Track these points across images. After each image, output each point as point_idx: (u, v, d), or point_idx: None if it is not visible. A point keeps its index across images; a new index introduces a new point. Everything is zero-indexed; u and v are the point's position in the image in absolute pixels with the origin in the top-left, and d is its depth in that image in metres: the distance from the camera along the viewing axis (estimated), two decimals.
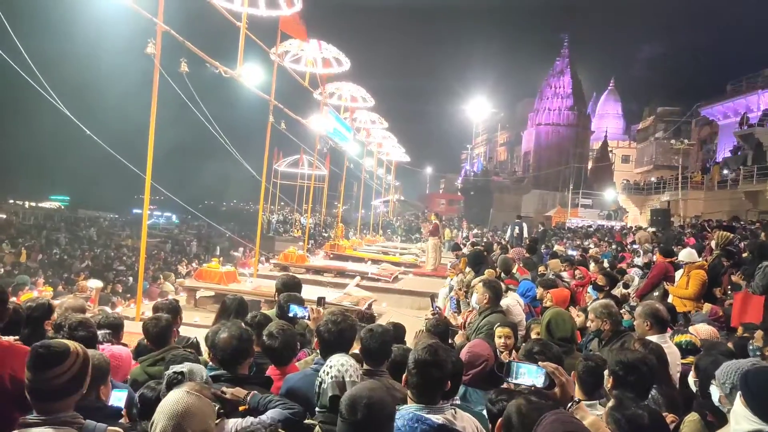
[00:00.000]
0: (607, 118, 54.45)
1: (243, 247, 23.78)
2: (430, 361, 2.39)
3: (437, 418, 2.31)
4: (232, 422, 2.40)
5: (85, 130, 7.68)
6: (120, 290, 14.98)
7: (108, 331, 3.60)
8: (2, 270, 19.21)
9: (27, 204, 53.79)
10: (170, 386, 2.27)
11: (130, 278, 18.35)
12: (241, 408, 2.51)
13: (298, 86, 15.24)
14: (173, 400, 1.87)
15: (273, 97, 13.30)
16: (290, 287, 4.67)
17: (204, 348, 3.57)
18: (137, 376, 3.38)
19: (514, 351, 4.19)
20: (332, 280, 13.14)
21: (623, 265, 10.03)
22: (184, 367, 2.50)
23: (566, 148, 44.44)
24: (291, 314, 4.01)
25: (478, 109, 59.40)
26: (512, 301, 5.68)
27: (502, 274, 7.58)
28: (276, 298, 4.60)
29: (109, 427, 2.10)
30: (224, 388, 2.52)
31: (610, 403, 2.79)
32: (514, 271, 8.08)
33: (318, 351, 3.79)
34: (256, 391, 2.55)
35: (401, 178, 42.26)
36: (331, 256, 17.31)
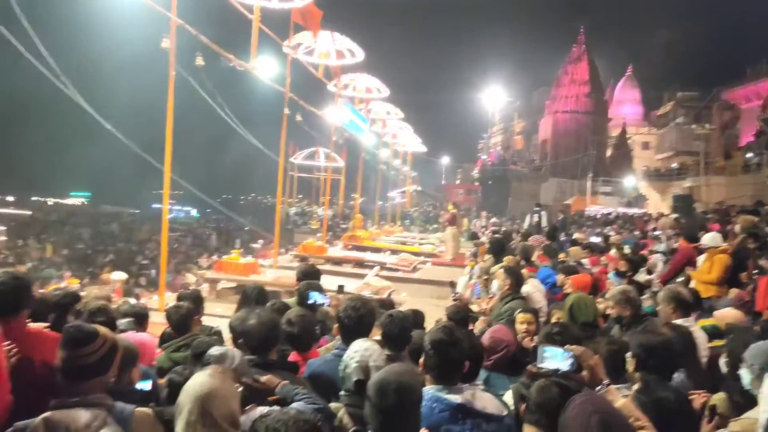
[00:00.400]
0: (625, 104, 53.53)
1: (262, 239, 23.97)
2: (447, 341, 2.39)
3: (455, 398, 2.31)
4: (260, 410, 2.42)
5: (104, 125, 7.81)
6: (144, 283, 15.22)
7: (132, 320, 3.65)
8: (29, 265, 19.65)
9: (50, 201, 54.82)
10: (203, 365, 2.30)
11: (153, 271, 18.63)
12: (270, 398, 2.53)
13: (312, 78, 15.25)
14: (197, 383, 1.90)
15: (288, 89, 13.33)
16: (310, 276, 4.70)
17: (226, 337, 3.61)
18: (162, 362, 3.44)
19: (535, 337, 4.17)
20: (351, 271, 13.20)
21: (644, 252, 9.90)
22: (222, 349, 2.53)
23: (584, 135, 43.81)
24: (311, 301, 4.04)
25: (494, 98, 58.81)
26: (533, 288, 5.65)
27: (523, 262, 7.53)
28: (296, 287, 4.63)
29: (137, 408, 2.14)
30: (257, 376, 2.53)
31: (636, 386, 2.77)
32: (534, 258, 8.02)
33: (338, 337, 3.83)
34: (288, 382, 2.57)
35: (418, 168, 42.11)
36: (350, 247, 17.37)
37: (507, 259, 7.08)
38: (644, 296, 5.90)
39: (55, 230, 29.95)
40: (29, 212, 38.40)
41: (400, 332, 3.14)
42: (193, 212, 56.91)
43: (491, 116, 65.78)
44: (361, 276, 12.00)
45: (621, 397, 2.26)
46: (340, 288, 4.38)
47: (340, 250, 16.94)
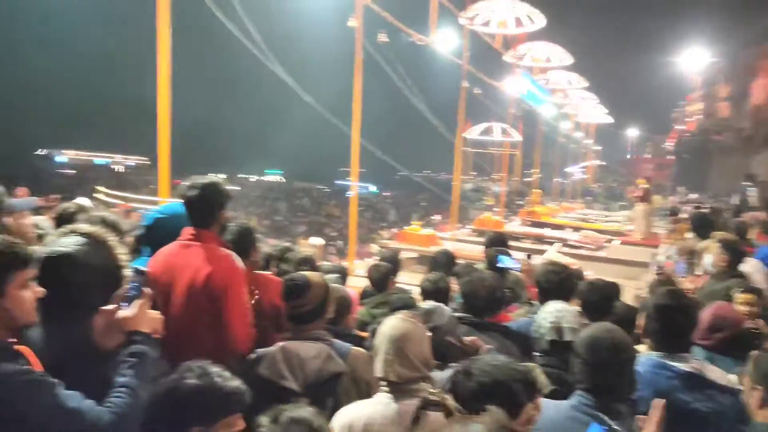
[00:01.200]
0: None
1: (439, 214, 24.46)
2: (674, 306, 2.20)
3: (684, 366, 2.12)
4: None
5: (303, 97, 8.52)
6: (333, 252, 16.58)
7: (337, 275, 3.99)
8: None
9: (253, 178, 62.10)
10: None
11: (340, 242, 20.18)
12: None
13: (490, 50, 14.93)
14: (391, 326, 2.00)
15: (466, 61, 13.23)
16: (498, 243, 4.67)
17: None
18: (364, 316, 3.71)
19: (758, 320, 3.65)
20: (530, 246, 12.83)
21: None
22: (433, 304, 2.66)
23: None
24: (500, 264, 4.02)
25: (693, 60, 51.86)
26: (752, 268, 4.95)
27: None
28: (484, 254, 4.64)
29: (353, 347, 2.34)
30: (462, 337, 2.60)
31: None
32: (751, 237, 6.99)
33: (529, 304, 3.76)
34: (492, 347, 2.60)
35: (602, 141, 39.15)
36: (528, 223, 16.88)
37: (720, 235, 6.25)
38: None
39: (257, 204, 33.97)
40: (238, 188, 44.08)
41: (601, 300, 2.98)
42: (372, 188, 60.14)
43: (690, 81, 58.20)
44: (541, 252, 11.59)
45: None
46: (529, 255, 4.26)
47: (518, 226, 16.54)
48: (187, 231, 2.56)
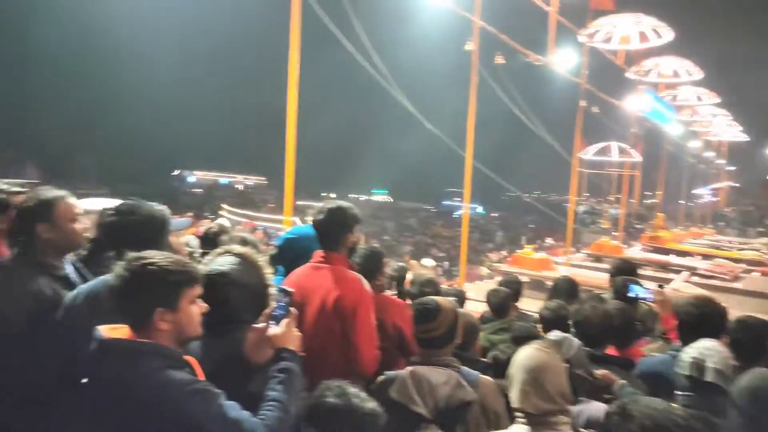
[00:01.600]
0: None
1: (549, 236, 23.57)
2: None
3: None
4: (596, 405, 2.36)
5: (426, 124, 8.69)
6: (440, 272, 16.53)
7: (455, 298, 3.97)
8: None
9: (362, 197, 63.92)
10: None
11: (446, 263, 20.09)
12: (605, 396, 2.45)
13: (610, 67, 14.28)
14: (527, 355, 1.95)
15: (584, 80, 12.76)
16: (626, 271, 4.39)
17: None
18: (482, 341, 3.64)
19: None
20: (652, 275, 11.95)
21: None
22: (561, 335, 2.58)
23: None
24: (631, 294, 3.77)
25: None
26: None
27: None
28: (610, 283, 4.39)
29: (481, 375, 2.31)
30: (593, 370, 2.50)
31: None
32: None
33: (664, 339, 3.50)
34: (626, 382, 2.46)
35: (735, 161, 35.64)
36: (650, 248, 15.75)
37: None
38: None
39: (368, 223, 34.86)
40: None
41: (754, 341, 2.69)
42: (479, 209, 59.40)
43: None
44: (665, 281, 10.75)
45: None
46: (661, 286, 3.97)
47: (639, 252, 15.49)
48: (318, 254, 2.69)
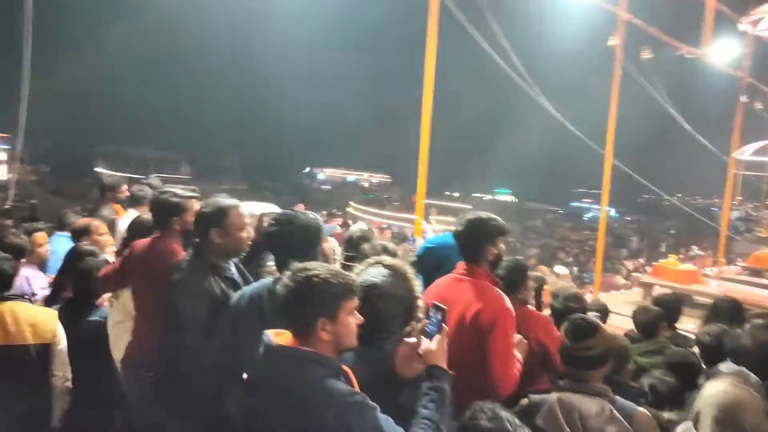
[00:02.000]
0: None
1: (695, 245, 21.45)
2: None
3: None
4: None
5: (569, 127, 8.35)
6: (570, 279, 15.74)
7: (597, 314, 3.74)
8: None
9: (486, 197, 62.89)
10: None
11: (575, 268, 19.07)
12: None
13: None
14: (720, 391, 1.77)
15: (746, 73, 11.41)
16: None
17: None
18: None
19: None
20: None
21: None
22: (729, 368, 2.33)
23: None
24: None
25: None
26: None
27: None
28: None
29: (637, 408, 2.14)
30: None
31: None
32: None
33: None
34: None
35: None
36: None
37: None
38: None
39: None
40: (470, 206, 45.03)
41: None
42: (611, 211, 55.67)
43: None
44: None
45: None
46: None
47: None
48: (460, 266, 2.66)
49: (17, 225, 4.34)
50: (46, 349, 2.75)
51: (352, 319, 1.71)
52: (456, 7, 6.96)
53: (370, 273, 2.04)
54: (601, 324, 2.33)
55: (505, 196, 70.11)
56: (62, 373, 2.82)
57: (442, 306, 1.82)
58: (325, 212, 10.47)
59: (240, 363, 2.17)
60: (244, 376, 2.06)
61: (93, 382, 2.99)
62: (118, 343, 2.97)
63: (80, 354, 2.96)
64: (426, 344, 1.77)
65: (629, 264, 17.81)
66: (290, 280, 1.67)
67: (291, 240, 2.24)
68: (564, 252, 24.58)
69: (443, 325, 1.79)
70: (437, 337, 1.77)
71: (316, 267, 1.70)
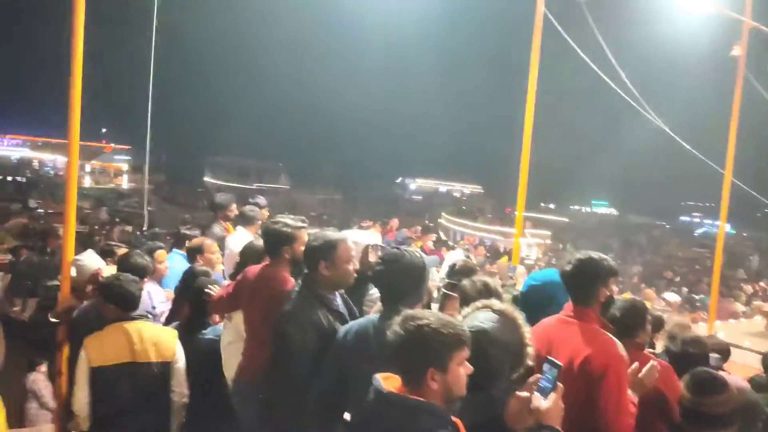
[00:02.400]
0: None
1: None
2: None
3: None
4: None
5: (684, 145, 7.84)
6: (679, 302, 14.60)
7: (718, 356, 3.42)
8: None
9: (585, 209, 60.02)
10: None
11: (684, 289, 17.68)
12: None
13: None
14: None
15: None
16: None
17: None
18: None
19: None
20: None
21: None
22: None
23: None
24: None
25: None
26: None
27: None
28: None
29: None
30: None
31: None
32: None
33: None
34: None
35: None
36: None
37: None
38: None
39: (587, 237, 32.59)
40: (566, 219, 43.18)
41: None
42: (726, 227, 51.01)
43: None
44: None
45: None
46: None
47: None
48: (568, 307, 2.53)
49: (138, 231, 4.70)
50: (166, 367, 2.97)
51: (462, 370, 1.69)
52: (557, 19, 6.72)
53: (478, 318, 2.00)
54: (728, 380, 2.14)
55: (603, 209, 66.39)
56: (180, 389, 3.03)
57: (558, 362, 1.74)
58: (419, 227, 10.50)
59: (344, 400, 2.21)
60: (346, 415, 2.10)
61: (206, 396, 3.19)
62: (230, 363, 3.13)
63: (195, 369, 3.17)
64: (539, 401, 1.70)
65: (748, 288, 16.23)
66: (401, 329, 1.67)
67: (397, 281, 2.28)
68: (671, 271, 22.86)
69: (558, 384, 1.72)
70: (552, 396, 1.70)
71: (428, 316, 1.70)
